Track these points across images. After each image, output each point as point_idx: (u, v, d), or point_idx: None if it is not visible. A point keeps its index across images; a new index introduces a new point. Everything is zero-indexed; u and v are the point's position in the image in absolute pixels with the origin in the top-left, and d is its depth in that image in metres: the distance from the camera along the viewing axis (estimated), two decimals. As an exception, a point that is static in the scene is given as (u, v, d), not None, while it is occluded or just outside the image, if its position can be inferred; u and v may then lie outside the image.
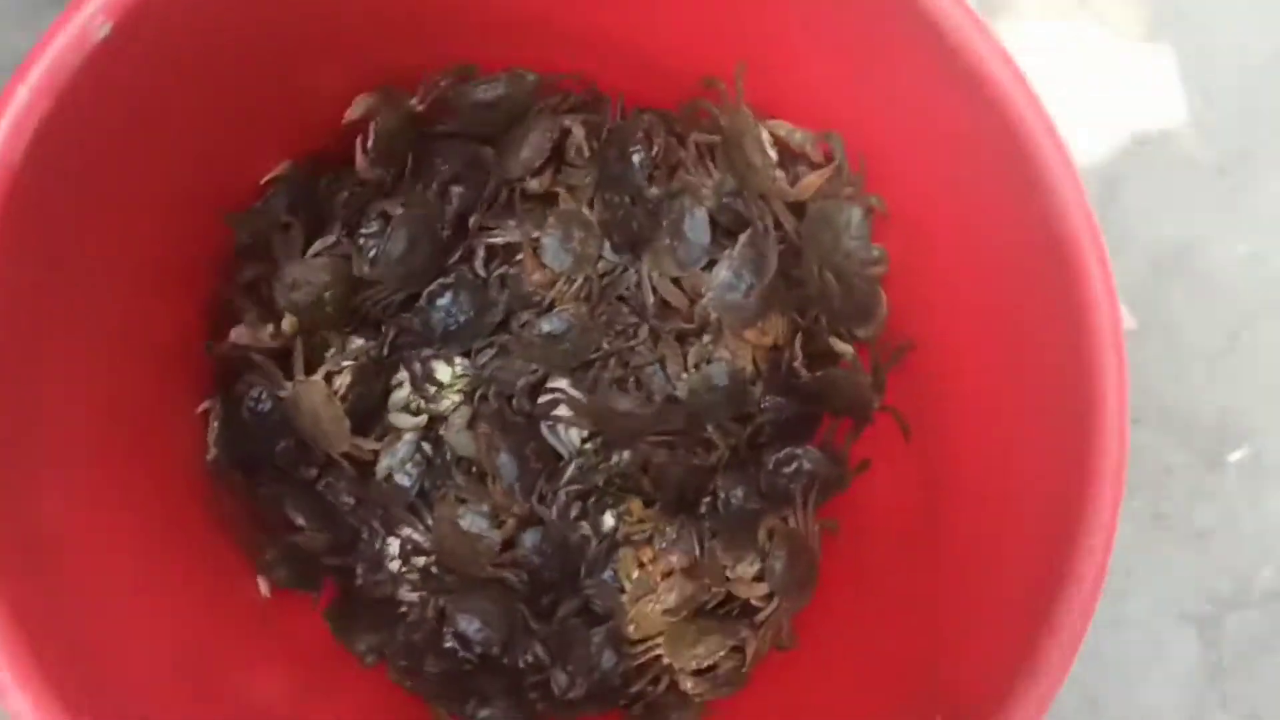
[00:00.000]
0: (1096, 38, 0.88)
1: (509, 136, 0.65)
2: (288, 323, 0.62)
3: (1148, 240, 0.86)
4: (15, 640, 0.42)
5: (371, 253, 0.62)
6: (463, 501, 0.64)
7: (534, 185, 0.65)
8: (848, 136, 0.58)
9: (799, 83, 0.57)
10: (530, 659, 0.63)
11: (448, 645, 0.64)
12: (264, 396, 0.64)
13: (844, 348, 0.61)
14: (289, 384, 0.62)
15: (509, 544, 0.64)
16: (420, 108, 0.63)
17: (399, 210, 0.62)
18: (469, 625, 0.62)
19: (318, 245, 0.62)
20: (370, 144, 0.61)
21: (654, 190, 0.63)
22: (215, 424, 0.63)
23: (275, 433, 0.64)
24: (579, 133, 0.64)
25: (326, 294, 0.61)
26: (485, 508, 0.64)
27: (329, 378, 0.62)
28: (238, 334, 0.62)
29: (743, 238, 0.61)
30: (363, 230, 0.63)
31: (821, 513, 0.65)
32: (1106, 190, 0.87)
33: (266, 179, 0.62)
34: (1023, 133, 0.44)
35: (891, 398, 0.62)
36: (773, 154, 0.58)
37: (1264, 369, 0.84)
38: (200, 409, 0.63)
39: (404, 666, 0.64)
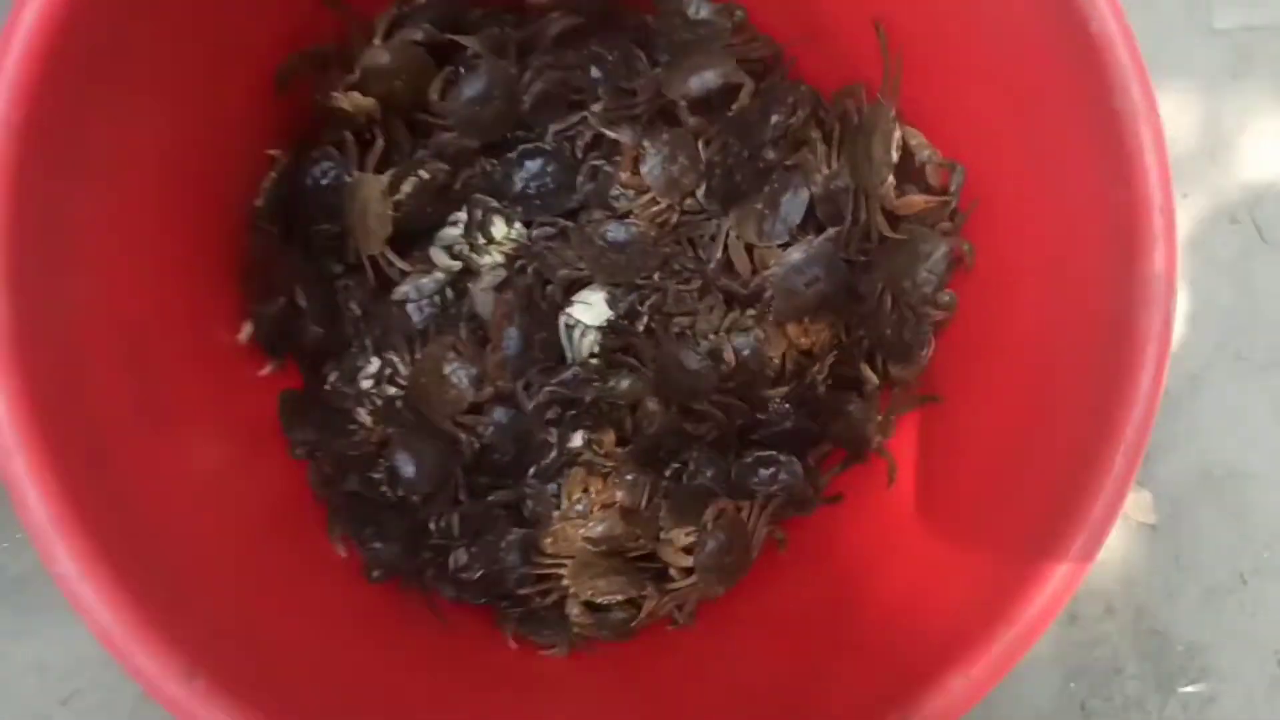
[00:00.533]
0: (1245, 241, 0.86)
1: (685, 57, 0.63)
2: (362, 100, 0.61)
3: (1207, 447, 0.83)
4: (16, 342, 0.44)
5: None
6: (457, 353, 0.64)
7: (685, 113, 0.63)
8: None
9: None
10: (442, 524, 0.62)
11: (375, 475, 0.63)
12: (331, 171, 0.64)
13: (870, 377, 0.60)
14: (358, 172, 0.63)
15: (477, 409, 0.63)
16: None
17: (481, 52, 0.61)
18: (404, 464, 0.62)
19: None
20: None
21: (772, 154, 0.63)
22: (274, 175, 0.63)
23: (324, 212, 0.65)
24: (745, 91, 0.62)
25: (396, 83, 0.61)
26: (474, 370, 0.63)
27: (394, 182, 0.62)
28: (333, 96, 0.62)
29: (829, 231, 0.60)
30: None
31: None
32: (1189, 384, 0.84)
33: None
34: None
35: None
36: (894, 155, 0.57)
37: (1258, 621, 0.81)
38: (269, 152, 0.63)
39: (326, 474, 0.63)
